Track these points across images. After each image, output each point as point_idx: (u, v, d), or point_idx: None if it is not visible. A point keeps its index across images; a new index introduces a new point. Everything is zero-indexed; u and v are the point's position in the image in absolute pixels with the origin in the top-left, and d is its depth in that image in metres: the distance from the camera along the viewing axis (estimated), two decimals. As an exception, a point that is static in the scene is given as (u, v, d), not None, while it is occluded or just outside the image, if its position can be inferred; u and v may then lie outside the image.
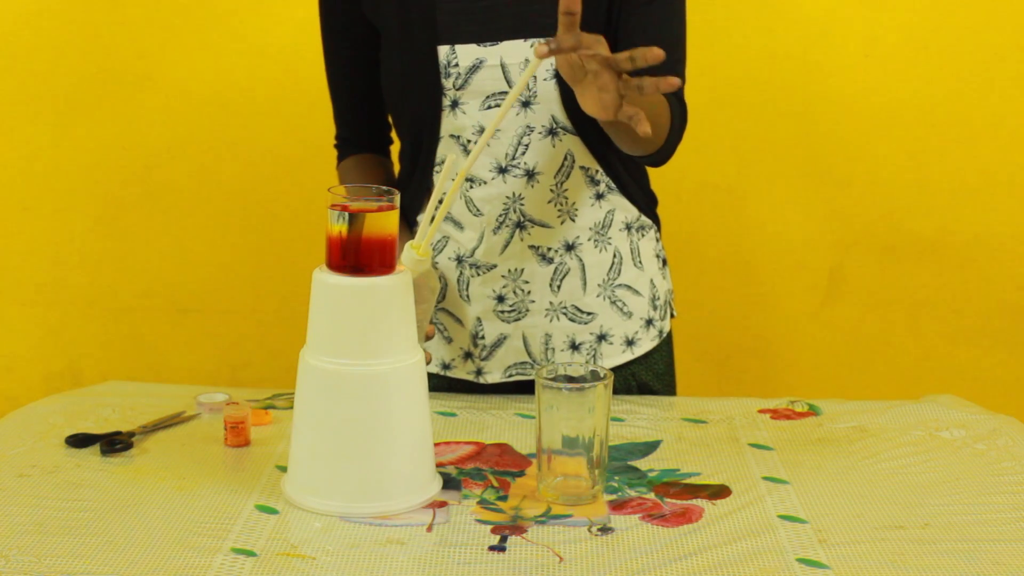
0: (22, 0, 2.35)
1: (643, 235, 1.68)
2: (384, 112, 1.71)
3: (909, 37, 2.32)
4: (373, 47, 1.64)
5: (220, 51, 2.37)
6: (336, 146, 1.76)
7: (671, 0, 1.57)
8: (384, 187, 1.36)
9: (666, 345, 1.74)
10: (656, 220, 1.70)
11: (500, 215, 1.58)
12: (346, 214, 1.31)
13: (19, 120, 2.40)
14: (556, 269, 1.62)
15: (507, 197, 1.58)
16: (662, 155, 1.55)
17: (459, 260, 1.62)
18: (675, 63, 1.56)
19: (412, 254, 1.40)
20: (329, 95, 1.73)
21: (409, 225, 1.65)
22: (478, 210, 1.58)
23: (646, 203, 1.68)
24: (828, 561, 1.23)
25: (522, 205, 1.58)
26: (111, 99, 2.40)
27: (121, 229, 2.45)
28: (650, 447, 1.51)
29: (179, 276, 2.47)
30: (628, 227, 1.66)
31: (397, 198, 1.34)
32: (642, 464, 1.46)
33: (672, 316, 1.75)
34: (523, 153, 1.56)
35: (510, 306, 1.62)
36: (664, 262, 1.73)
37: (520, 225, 1.58)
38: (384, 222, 1.32)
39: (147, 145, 2.43)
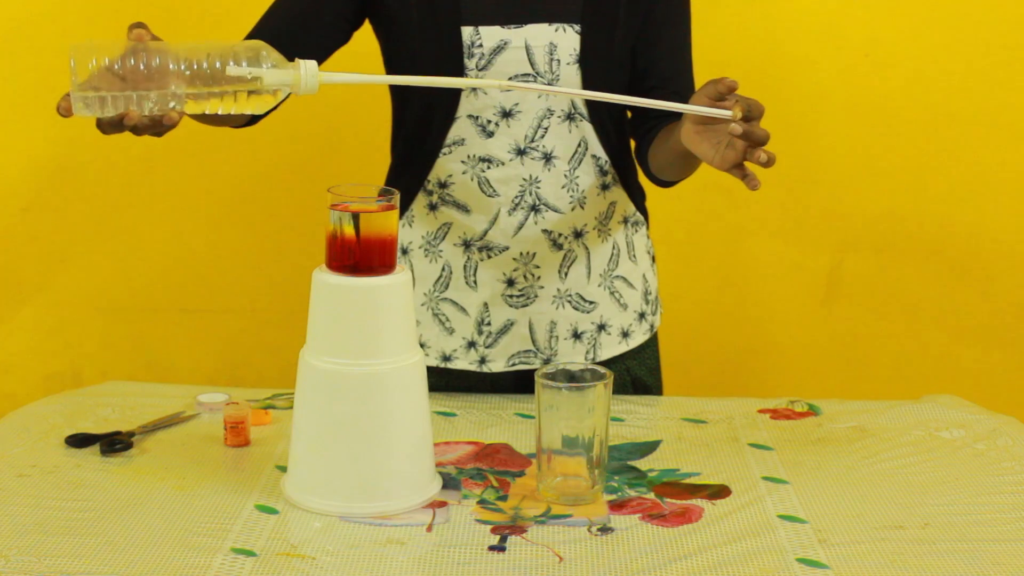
0: (24, 0, 2.35)
1: (636, 230, 1.71)
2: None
3: (909, 37, 2.32)
4: (340, 36, 1.61)
5: (220, 51, 2.37)
6: None
7: (685, 21, 1.65)
8: (384, 187, 1.36)
9: (657, 340, 1.76)
10: (646, 215, 1.72)
11: (516, 196, 1.59)
12: (346, 214, 1.31)
13: (19, 120, 2.40)
14: (565, 256, 1.63)
15: (524, 179, 1.58)
16: (677, 183, 1.65)
17: (467, 244, 1.63)
18: (689, 80, 1.65)
19: (316, 73, 1.27)
20: (255, 25, 1.62)
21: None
22: (494, 191, 1.59)
23: (640, 197, 1.71)
24: (828, 561, 1.23)
25: (538, 188, 1.58)
26: (111, 99, 2.39)
27: (121, 229, 2.45)
28: (650, 447, 1.51)
29: (179, 276, 2.47)
30: (625, 220, 1.68)
31: (397, 198, 1.34)
32: (642, 464, 1.46)
33: (660, 312, 1.77)
34: (542, 136, 1.57)
35: (519, 291, 1.63)
36: (653, 259, 1.75)
37: (535, 208, 1.59)
38: (384, 222, 1.33)
39: (147, 145, 2.43)
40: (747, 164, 1.37)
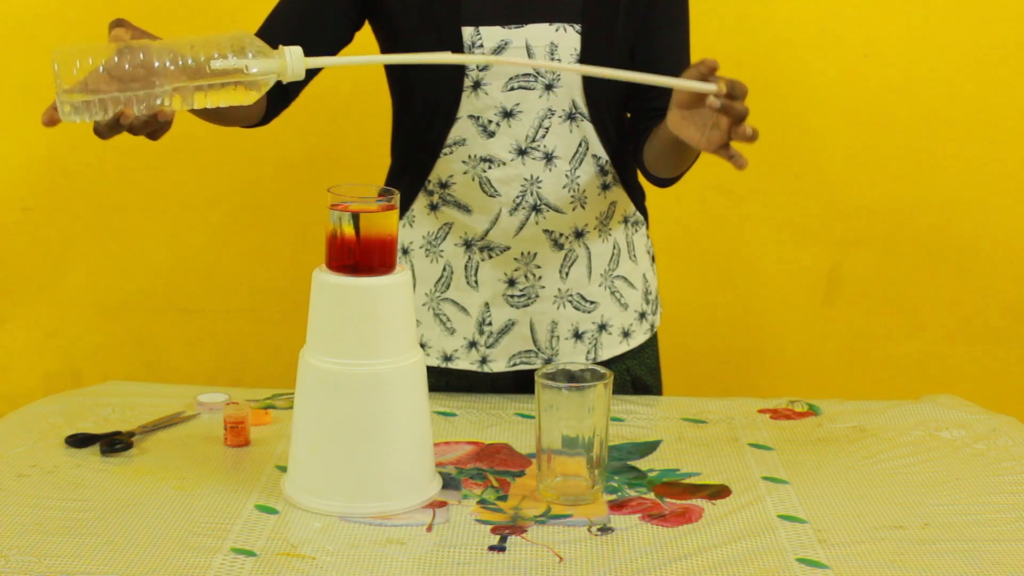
0: (23, 0, 2.35)
1: (636, 230, 1.71)
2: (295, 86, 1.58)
3: (907, 37, 2.32)
4: (343, 36, 1.61)
5: (220, 51, 2.37)
6: None
7: (685, 21, 1.65)
8: (384, 187, 1.36)
9: (656, 340, 1.77)
10: (646, 214, 1.72)
11: (517, 196, 1.59)
12: (346, 214, 1.31)
13: (19, 120, 2.40)
14: (566, 256, 1.63)
15: (525, 179, 1.58)
16: (675, 181, 1.64)
17: (468, 244, 1.63)
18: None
19: (301, 58, 1.26)
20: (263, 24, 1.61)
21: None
22: (495, 191, 1.59)
23: (640, 197, 1.71)
24: (828, 561, 1.23)
25: (539, 188, 1.59)
26: (111, 99, 2.39)
27: (121, 229, 2.45)
28: (650, 447, 1.51)
29: (179, 276, 2.47)
30: (625, 220, 1.69)
31: (397, 198, 1.34)
32: (642, 464, 1.46)
33: (660, 312, 1.77)
34: (543, 136, 1.57)
35: (520, 291, 1.63)
36: (653, 258, 1.76)
37: (536, 208, 1.59)
38: (384, 222, 1.33)
39: (147, 145, 2.43)
40: (732, 144, 1.38)
